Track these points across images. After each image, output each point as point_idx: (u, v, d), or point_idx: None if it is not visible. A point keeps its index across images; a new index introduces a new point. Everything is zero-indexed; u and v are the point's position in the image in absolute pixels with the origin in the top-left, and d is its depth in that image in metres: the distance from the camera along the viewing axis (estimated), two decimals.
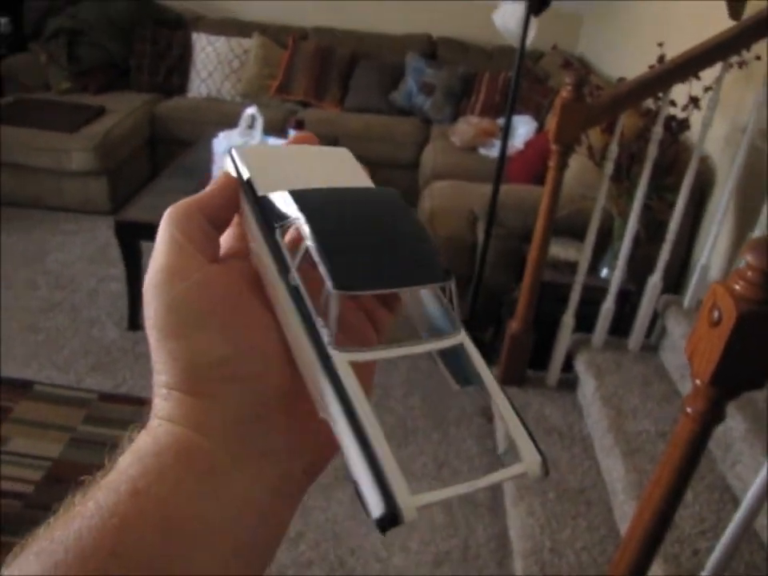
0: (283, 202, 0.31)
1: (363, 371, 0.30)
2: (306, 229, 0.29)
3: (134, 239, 2.57)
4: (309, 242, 0.29)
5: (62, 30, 4.17)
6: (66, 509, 0.25)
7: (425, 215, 2.83)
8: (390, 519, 0.24)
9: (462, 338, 0.31)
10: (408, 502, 0.24)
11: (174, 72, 4.30)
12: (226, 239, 0.34)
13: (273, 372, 0.29)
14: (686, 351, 0.88)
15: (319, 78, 4.23)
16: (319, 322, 0.28)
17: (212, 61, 4.22)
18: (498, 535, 1.96)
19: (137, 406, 2.29)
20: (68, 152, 3.49)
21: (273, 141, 3.01)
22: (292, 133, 3.00)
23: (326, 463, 0.32)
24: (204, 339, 0.28)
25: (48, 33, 4.21)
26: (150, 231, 2.58)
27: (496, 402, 0.30)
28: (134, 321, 2.70)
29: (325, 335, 0.28)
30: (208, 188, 0.33)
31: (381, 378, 2.51)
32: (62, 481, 1.96)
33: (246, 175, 0.33)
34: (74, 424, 2.20)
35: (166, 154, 3.95)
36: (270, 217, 0.31)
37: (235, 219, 0.34)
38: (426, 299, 0.33)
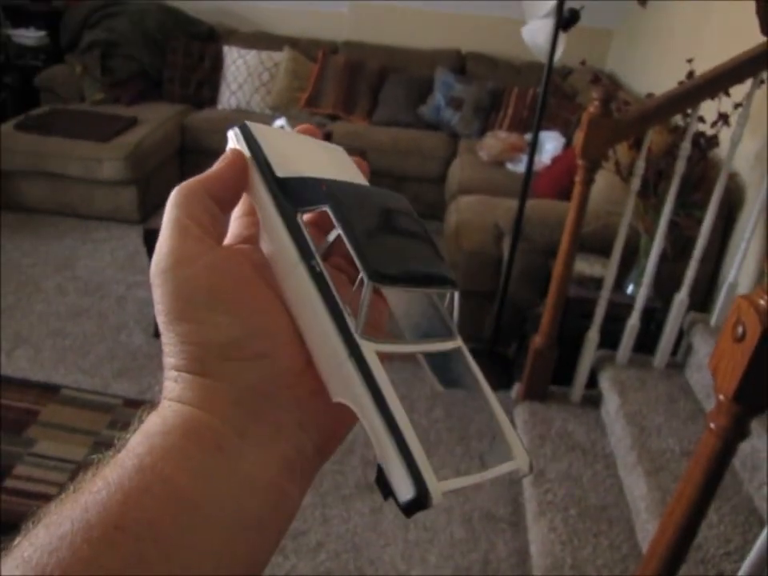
0: (306, 186, 0.31)
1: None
2: (337, 216, 0.29)
3: None
4: (341, 231, 0.29)
5: (97, 43, 4.26)
6: (76, 486, 0.25)
7: (450, 229, 2.83)
8: (419, 502, 0.25)
9: (460, 342, 0.32)
10: (435, 486, 0.25)
11: (205, 84, 4.37)
12: (234, 225, 0.34)
13: (280, 352, 0.29)
14: (710, 366, 0.87)
15: (348, 92, 4.27)
16: (347, 310, 0.28)
17: (242, 73, 4.28)
18: (519, 551, 1.94)
19: None
20: (100, 161, 3.56)
21: None
22: (326, 144, 3.04)
23: (338, 443, 0.32)
24: (212, 322, 0.28)
25: (83, 45, 4.31)
26: None
27: (491, 406, 0.31)
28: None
29: (352, 324, 0.28)
30: (215, 166, 0.32)
31: (405, 390, 2.51)
32: None
33: (262, 154, 0.32)
34: (99, 428, 2.23)
35: (194, 164, 4.01)
36: (289, 200, 0.31)
37: (241, 206, 0.34)
38: (425, 303, 0.34)
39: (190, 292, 0.28)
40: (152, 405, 0.28)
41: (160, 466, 0.25)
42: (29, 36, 4.53)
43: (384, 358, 0.29)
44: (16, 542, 0.24)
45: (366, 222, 0.30)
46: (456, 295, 0.32)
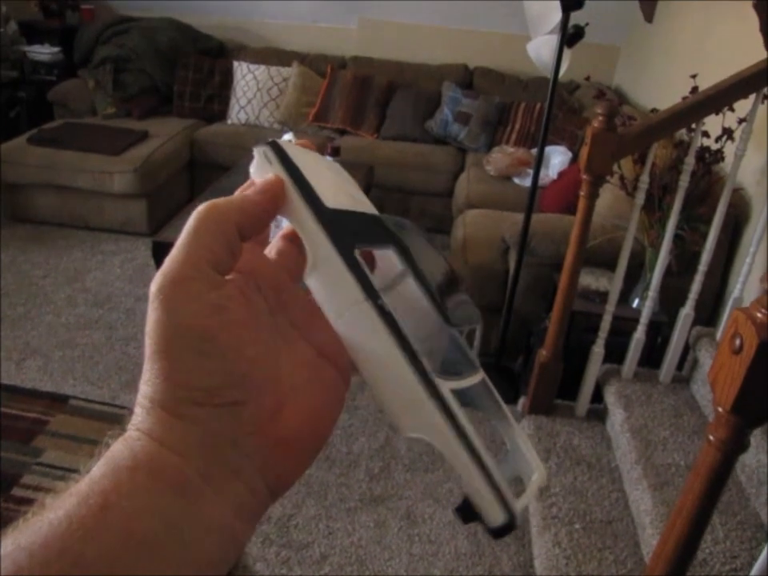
0: (362, 223, 0.31)
1: (330, 374, 0.32)
2: (406, 261, 0.30)
3: None
4: (413, 278, 0.30)
5: (110, 58, 4.32)
6: (35, 515, 0.25)
7: (457, 243, 2.85)
8: (511, 526, 0.29)
9: (483, 373, 0.33)
10: (518, 510, 0.29)
11: (214, 99, 4.42)
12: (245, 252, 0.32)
13: (253, 400, 0.29)
14: (709, 378, 0.88)
15: (356, 106, 4.30)
16: (420, 350, 0.29)
17: (252, 88, 4.32)
18: (523, 565, 1.94)
19: None
20: (111, 174, 3.60)
21: None
22: (329, 159, 3.06)
23: (291, 483, 0.32)
24: (198, 366, 0.27)
25: (96, 61, 4.37)
26: None
27: (512, 425, 0.33)
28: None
29: (428, 365, 0.29)
30: (251, 193, 0.31)
31: None
32: None
33: (304, 180, 0.31)
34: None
35: (203, 177, 4.05)
36: (344, 234, 0.30)
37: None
38: (442, 337, 0.34)
39: (183, 331, 0.27)
40: (119, 431, 0.28)
41: (123, 504, 0.25)
42: (43, 52, 4.60)
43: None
44: None
45: (424, 265, 0.31)
46: (478, 329, 0.35)
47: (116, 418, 2.34)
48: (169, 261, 0.29)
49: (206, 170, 4.10)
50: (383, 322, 0.29)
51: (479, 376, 0.33)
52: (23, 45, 4.61)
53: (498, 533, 0.28)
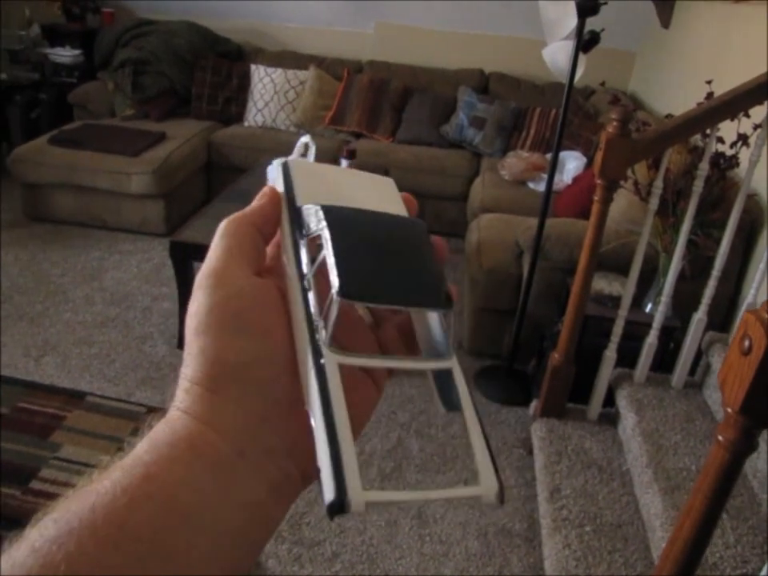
0: (314, 213, 0.33)
1: (367, 386, 0.35)
2: (326, 238, 0.32)
3: (187, 259, 2.67)
4: (325, 251, 0.32)
5: (129, 61, 4.38)
6: (84, 484, 0.27)
7: (472, 247, 2.86)
8: (339, 507, 0.26)
9: (453, 364, 0.33)
10: (358, 495, 0.27)
11: (232, 101, 4.46)
12: (269, 257, 0.36)
13: (282, 380, 0.31)
14: (718, 379, 0.89)
15: (372, 110, 4.33)
16: (320, 323, 0.31)
17: (269, 91, 4.36)
18: (533, 566, 1.95)
19: None
20: (129, 175, 3.64)
21: None
22: (344, 162, 3.09)
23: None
24: (232, 342, 0.30)
25: (116, 63, 4.42)
26: (202, 252, 2.69)
27: (468, 429, 0.31)
28: (184, 339, 2.78)
29: (322, 334, 0.31)
30: (256, 201, 0.35)
31: (423, 405, 2.54)
32: None
33: (291, 187, 0.36)
34: (123, 435, 2.28)
35: (220, 179, 4.09)
36: (299, 226, 0.34)
37: (275, 238, 0.36)
38: (433, 323, 0.35)
39: (220, 311, 0.31)
40: (162, 413, 0.30)
41: (164, 476, 0.27)
42: (64, 54, 4.67)
43: (353, 370, 0.32)
44: (26, 533, 0.26)
45: (355, 246, 0.32)
46: (451, 316, 0.34)
47: (132, 415, 2.38)
48: (206, 260, 0.33)
49: (223, 171, 4.14)
50: (300, 297, 0.32)
51: (437, 364, 0.33)
52: (45, 47, 4.68)
53: (329, 510, 0.27)
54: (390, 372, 0.36)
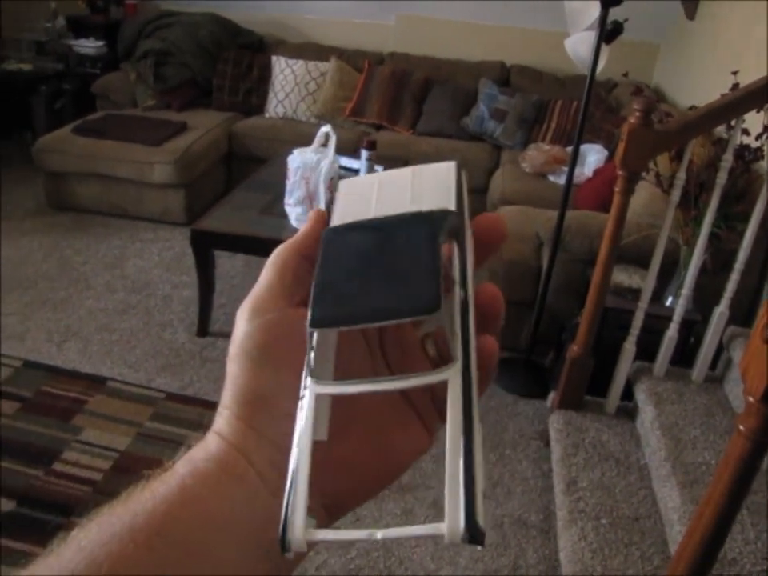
0: (323, 237, 0.33)
1: (415, 430, 0.33)
2: (317, 263, 0.32)
3: (207, 248, 2.69)
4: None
5: (151, 52, 4.40)
6: (128, 494, 0.30)
7: None
8: (282, 544, 0.27)
9: (449, 374, 0.28)
10: (299, 534, 0.27)
11: (253, 92, 4.48)
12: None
13: None
14: (740, 368, 0.88)
15: (393, 102, 4.32)
16: (311, 355, 0.30)
17: (290, 83, 4.37)
18: (548, 557, 1.94)
19: (201, 408, 2.38)
20: (150, 164, 3.67)
21: (345, 160, 3.10)
22: (364, 153, 3.09)
23: (348, 507, 0.34)
24: (258, 373, 0.32)
25: (138, 54, 4.46)
26: (222, 241, 2.69)
27: (447, 450, 0.27)
28: (204, 327, 2.81)
29: (310, 364, 0.30)
30: (303, 227, 0.36)
31: None
32: (127, 472, 2.06)
33: (330, 210, 0.35)
34: (142, 420, 2.31)
35: (240, 169, 4.10)
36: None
37: None
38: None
39: (250, 342, 0.32)
40: (200, 436, 0.33)
41: (197, 488, 0.29)
42: (88, 46, 4.71)
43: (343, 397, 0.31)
44: (73, 534, 0.28)
45: (342, 268, 0.31)
46: (442, 318, 0.29)
47: (151, 401, 2.41)
48: (253, 289, 0.34)
49: (244, 162, 4.16)
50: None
51: (434, 377, 0.29)
52: (70, 39, 4.73)
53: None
54: (442, 416, 0.31)
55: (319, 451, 0.31)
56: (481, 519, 0.25)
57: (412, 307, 0.29)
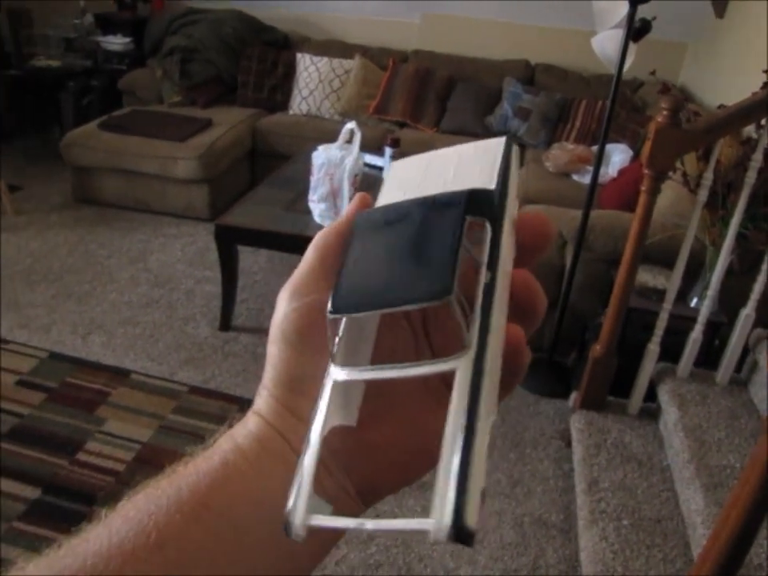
0: (355, 221, 0.34)
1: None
2: (345, 250, 0.32)
3: (231, 243, 2.71)
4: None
5: (177, 48, 4.44)
6: (172, 470, 0.31)
7: None
8: (285, 527, 0.27)
9: (461, 363, 0.27)
10: (301, 518, 0.27)
11: (277, 89, 4.49)
12: None
13: None
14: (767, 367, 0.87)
15: (417, 100, 4.32)
16: (336, 340, 0.31)
17: (314, 80, 4.38)
18: (569, 558, 1.93)
19: (223, 402, 2.40)
20: (175, 160, 3.70)
21: (369, 157, 3.10)
22: (388, 150, 3.09)
23: (382, 493, 0.34)
24: (294, 356, 0.32)
25: (165, 51, 4.49)
26: (246, 236, 2.69)
27: (444, 445, 0.25)
28: (226, 321, 2.83)
29: (338, 349, 0.31)
30: (347, 208, 0.35)
31: None
32: (149, 463, 2.08)
33: (378, 193, 0.35)
34: (164, 413, 2.33)
35: (264, 166, 4.12)
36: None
37: None
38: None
39: (288, 325, 0.32)
40: (240, 415, 0.34)
41: (239, 463, 0.30)
42: (116, 42, 4.76)
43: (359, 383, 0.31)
44: (120, 504, 0.29)
45: (366, 253, 0.31)
46: (453, 305, 0.27)
47: (174, 394, 2.43)
48: (294, 271, 0.34)
49: (267, 158, 4.18)
50: None
51: (444, 365, 0.28)
52: (98, 35, 4.78)
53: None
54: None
55: (350, 436, 0.31)
56: (471, 518, 0.23)
57: (421, 293, 0.28)
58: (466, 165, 0.34)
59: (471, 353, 0.27)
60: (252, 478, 0.30)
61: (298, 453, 0.31)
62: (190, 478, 0.30)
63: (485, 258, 0.29)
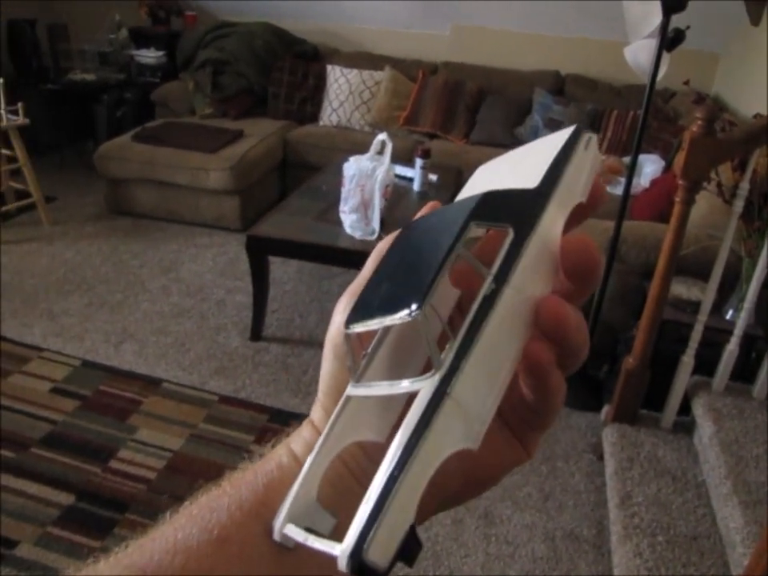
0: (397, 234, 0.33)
1: (511, 447, 0.32)
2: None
3: (262, 253, 2.73)
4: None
5: (209, 61, 4.50)
6: (230, 475, 0.33)
7: None
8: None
9: (427, 383, 0.25)
10: (280, 522, 0.29)
11: (308, 101, 4.53)
12: None
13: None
14: None
15: (447, 111, 4.32)
16: (359, 357, 0.31)
17: (344, 91, 4.41)
18: (602, 573, 1.90)
19: (253, 411, 2.41)
20: (207, 171, 3.75)
21: (399, 168, 3.11)
22: (419, 161, 3.10)
23: (426, 513, 0.32)
24: (336, 370, 0.33)
25: (197, 63, 4.56)
26: (277, 247, 2.70)
27: (381, 468, 0.24)
28: (257, 332, 2.85)
29: (358, 369, 0.31)
30: (417, 215, 0.35)
31: None
32: (180, 472, 2.09)
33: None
34: (196, 422, 2.34)
35: (294, 177, 4.16)
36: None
37: None
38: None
39: (332, 336, 0.33)
40: (298, 424, 0.35)
41: (292, 465, 0.32)
42: (149, 56, 4.85)
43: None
44: (185, 505, 0.31)
45: (390, 264, 0.31)
46: (422, 321, 0.25)
47: (205, 403, 2.44)
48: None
49: (298, 169, 4.21)
50: None
51: (413, 385, 0.26)
52: (131, 49, 4.87)
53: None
54: (534, 427, 0.32)
55: (381, 451, 0.30)
56: (376, 553, 0.22)
57: (392, 309, 0.26)
58: (527, 161, 0.32)
59: (437, 376, 0.24)
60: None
61: (344, 461, 0.32)
62: (249, 478, 0.32)
63: (494, 268, 0.26)
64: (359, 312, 0.29)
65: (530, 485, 2.19)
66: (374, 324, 0.27)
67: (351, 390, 0.30)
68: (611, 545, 1.89)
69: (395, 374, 0.31)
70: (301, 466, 0.31)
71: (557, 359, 0.27)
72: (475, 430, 0.25)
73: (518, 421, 0.32)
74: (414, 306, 0.25)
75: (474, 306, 0.25)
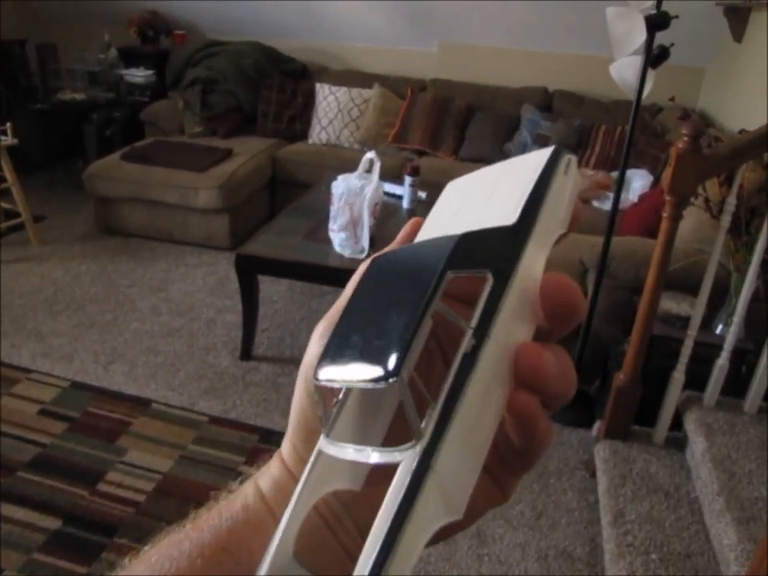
0: (366, 267, 0.31)
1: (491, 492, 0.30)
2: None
3: (252, 272, 2.72)
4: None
5: (198, 80, 4.51)
6: (196, 514, 0.32)
7: None
8: None
9: (407, 456, 0.23)
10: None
11: (296, 119, 4.54)
12: None
13: None
14: None
15: (435, 128, 4.34)
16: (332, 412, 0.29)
17: (333, 109, 4.43)
18: None
19: (243, 432, 2.39)
20: (196, 190, 3.74)
21: (388, 186, 3.11)
22: (408, 179, 3.10)
23: None
24: (309, 405, 0.30)
25: (186, 82, 4.57)
26: (267, 266, 2.70)
27: (363, 553, 0.22)
28: (247, 351, 2.83)
29: (327, 421, 0.28)
30: (399, 235, 0.33)
31: None
32: (170, 494, 2.06)
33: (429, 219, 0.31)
34: (185, 443, 2.32)
35: (284, 195, 4.15)
36: None
37: None
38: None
39: (304, 369, 0.31)
40: (265, 460, 0.34)
41: (258, 507, 0.31)
42: (138, 75, 4.86)
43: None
44: (145, 549, 0.30)
45: (357, 308, 0.28)
46: (401, 391, 0.23)
47: (194, 424, 2.42)
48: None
49: (287, 187, 4.21)
50: None
51: (394, 456, 0.24)
52: (121, 68, 4.88)
53: None
54: (513, 473, 0.31)
55: (354, 497, 0.30)
56: None
57: (366, 373, 0.24)
58: (503, 186, 0.29)
59: (418, 448, 0.23)
60: (270, 524, 0.29)
61: (318, 511, 0.30)
62: (213, 521, 0.30)
63: (474, 321, 0.24)
64: (330, 356, 0.26)
65: (522, 502, 2.18)
66: (344, 383, 0.26)
67: (323, 445, 0.28)
68: (605, 563, 1.88)
69: (367, 422, 0.30)
70: (267, 505, 0.30)
71: (542, 403, 0.26)
72: (459, 500, 0.24)
73: (499, 465, 0.30)
74: (390, 369, 0.23)
75: (454, 366, 0.24)
